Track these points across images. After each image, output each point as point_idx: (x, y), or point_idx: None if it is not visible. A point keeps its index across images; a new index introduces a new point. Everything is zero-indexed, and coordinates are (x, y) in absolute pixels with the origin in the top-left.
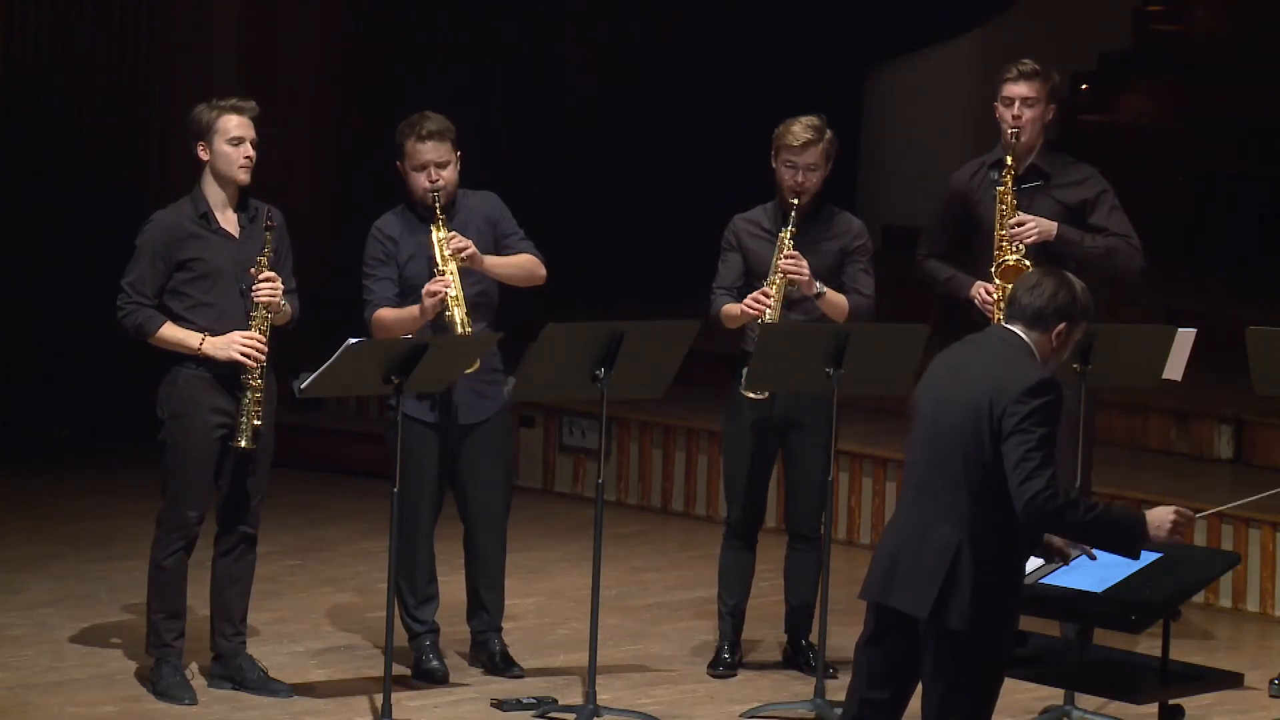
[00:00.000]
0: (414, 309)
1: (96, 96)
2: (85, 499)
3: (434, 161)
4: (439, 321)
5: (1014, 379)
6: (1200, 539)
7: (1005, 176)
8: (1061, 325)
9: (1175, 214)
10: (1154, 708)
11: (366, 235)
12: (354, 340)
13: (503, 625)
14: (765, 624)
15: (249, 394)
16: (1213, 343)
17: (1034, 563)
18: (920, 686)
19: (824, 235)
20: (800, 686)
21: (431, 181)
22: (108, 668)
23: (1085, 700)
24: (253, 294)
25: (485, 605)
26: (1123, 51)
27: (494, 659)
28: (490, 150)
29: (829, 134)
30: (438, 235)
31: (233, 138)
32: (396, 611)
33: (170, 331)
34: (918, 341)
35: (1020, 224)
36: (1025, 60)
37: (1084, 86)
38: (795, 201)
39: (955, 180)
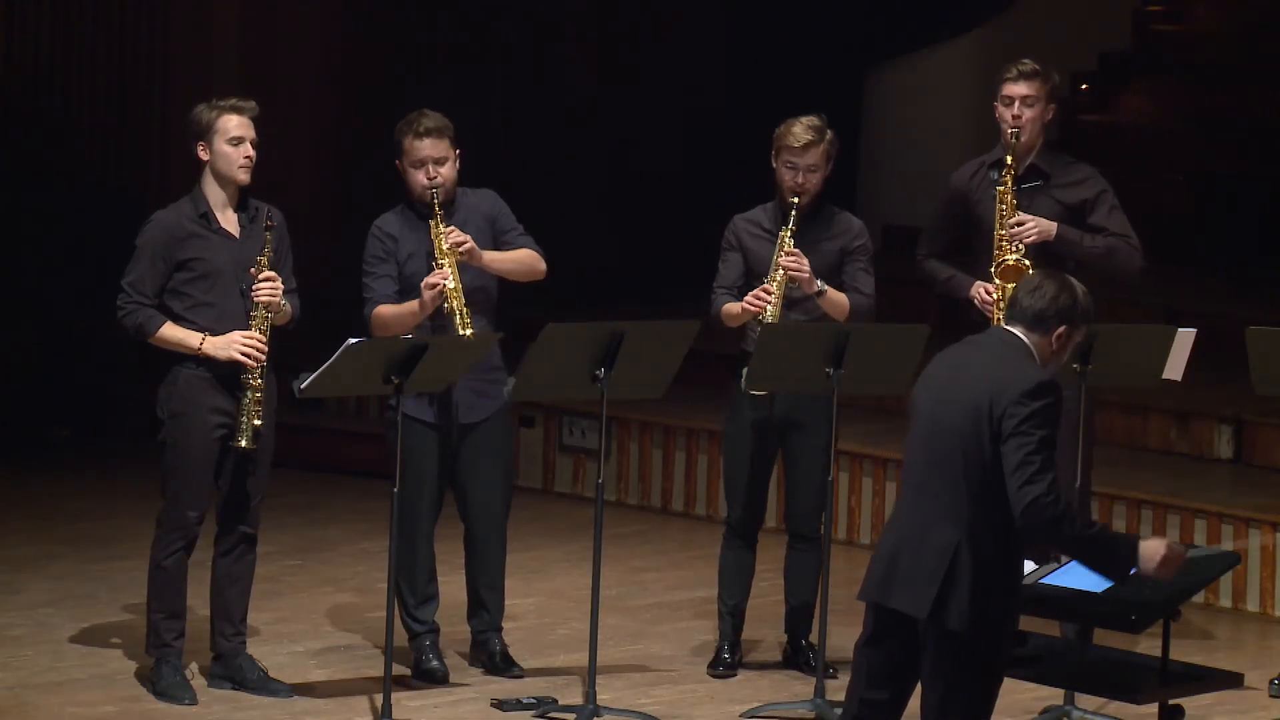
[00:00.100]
0: (413, 304)
1: (96, 96)
2: (85, 499)
3: (432, 158)
4: (439, 319)
5: (1014, 380)
6: (1200, 539)
7: (1005, 176)
8: (1062, 328)
9: (1175, 214)
10: (1154, 708)
11: (366, 234)
12: (354, 340)
13: (503, 625)
14: (765, 624)
15: (249, 394)
16: (1213, 343)
17: (1032, 564)
18: (920, 687)
19: (824, 235)
20: (800, 686)
21: (430, 178)
22: (108, 668)
23: (1085, 700)
24: (253, 294)
25: (485, 605)
26: (1123, 51)
27: (494, 659)
28: (490, 150)
29: (830, 134)
30: (436, 230)
31: (233, 138)
32: (396, 611)
33: (170, 331)
34: (918, 341)
35: (1020, 224)
36: (1025, 60)
37: (1084, 86)
38: (795, 201)
39: (955, 180)
